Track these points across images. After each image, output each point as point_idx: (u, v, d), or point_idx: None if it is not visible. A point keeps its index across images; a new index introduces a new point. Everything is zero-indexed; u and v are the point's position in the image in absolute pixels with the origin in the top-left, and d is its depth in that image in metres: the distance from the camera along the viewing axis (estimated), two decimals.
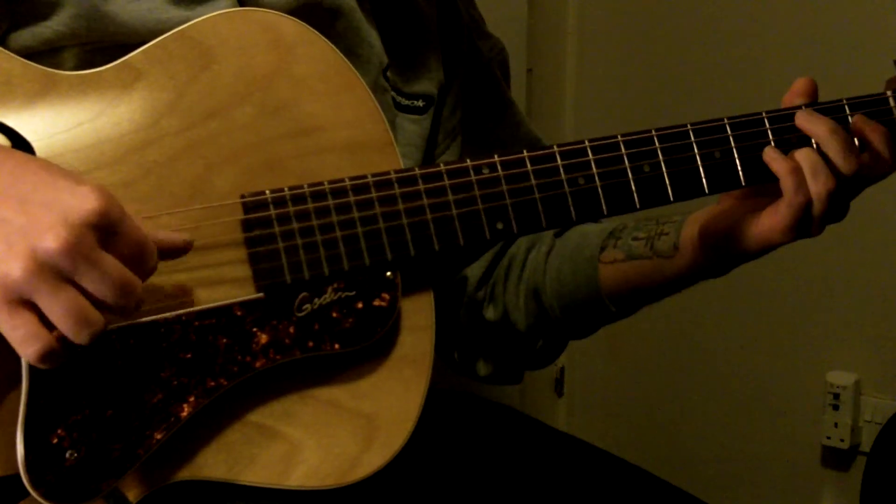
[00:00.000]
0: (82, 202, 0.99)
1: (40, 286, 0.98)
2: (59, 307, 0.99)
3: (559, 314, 1.47)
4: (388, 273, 1.19)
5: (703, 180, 1.27)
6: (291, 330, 1.16)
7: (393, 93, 1.40)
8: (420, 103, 1.42)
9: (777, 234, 1.27)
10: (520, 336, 1.50)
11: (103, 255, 1.00)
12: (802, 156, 1.26)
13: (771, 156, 1.26)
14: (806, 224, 1.26)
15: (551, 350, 1.54)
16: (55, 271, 0.98)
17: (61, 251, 0.98)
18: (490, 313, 1.51)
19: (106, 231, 1.00)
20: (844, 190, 1.27)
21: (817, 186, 1.24)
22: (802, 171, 1.25)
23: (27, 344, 1.00)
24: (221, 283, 1.14)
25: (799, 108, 1.29)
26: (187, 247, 1.10)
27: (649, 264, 1.39)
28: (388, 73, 1.39)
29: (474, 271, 1.51)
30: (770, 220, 1.27)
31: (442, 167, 1.21)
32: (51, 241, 0.98)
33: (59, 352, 1.01)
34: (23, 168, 1.02)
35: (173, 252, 1.09)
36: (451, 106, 1.47)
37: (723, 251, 1.32)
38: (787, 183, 1.24)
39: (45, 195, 0.99)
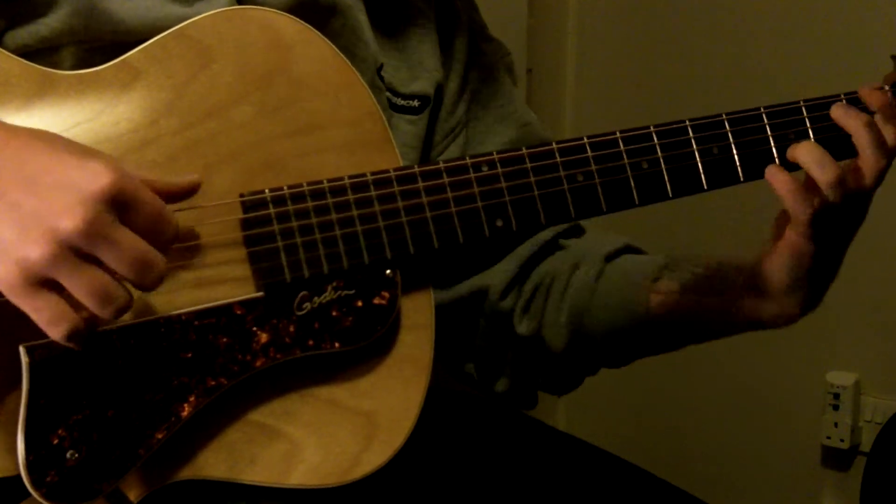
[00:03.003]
0: (95, 178, 0.99)
1: (62, 268, 0.98)
2: (82, 287, 0.99)
3: (600, 338, 1.45)
4: (388, 271, 1.19)
5: (702, 176, 1.26)
6: (291, 329, 1.16)
7: (388, 93, 1.40)
8: (416, 103, 1.42)
9: (803, 242, 1.26)
10: (549, 355, 1.48)
11: (122, 230, 1.00)
12: (805, 151, 1.25)
13: (772, 172, 1.25)
14: (824, 227, 1.25)
15: (576, 375, 1.52)
16: (75, 251, 0.98)
17: (80, 231, 0.97)
18: (523, 327, 1.48)
19: (122, 205, 1.00)
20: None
21: (826, 176, 1.23)
22: (802, 191, 1.23)
23: (53, 325, 1.00)
24: (221, 282, 1.14)
25: (797, 102, 1.29)
26: (195, 185, 1.10)
27: (704, 300, 1.37)
28: (383, 74, 1.39)
29: (496, 279, 1.48)
30: (792, 235, 1.26)
31: (441, 165, 1.21)
32: (69, 221, 0.97)
33: (85, 330, 1.01)
34: (28, 148, 1.01)
35: (181, 194, 1.09)
36: (448, 105, 1.46)
37: (770, 285, 1.31)
38: (789, 202, 1.24)
39: (55, 175, 0.99)
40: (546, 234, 1.48)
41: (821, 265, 1.28)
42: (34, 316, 1.00)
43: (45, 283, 0.99)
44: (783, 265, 1.28)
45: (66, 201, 0.98)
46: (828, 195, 1.23)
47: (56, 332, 1.00)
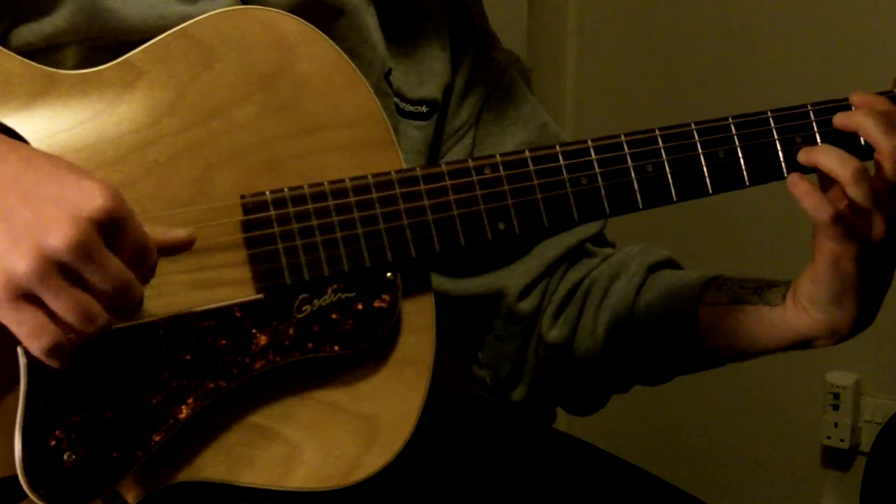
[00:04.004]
0: (90, 199, 0.98)
1: (46, 283, 0.97)
2: (64, 305, 0.98)
3: (639, 351, 1.44)
4: (389, 274, 1.18)
5: (707, 180, 1.26)
6: (291, 331, 1.15)
7: (396, 98, 1.39)
8: (424, 109, 1.41)
9: (837, 247, 1.24)
10: (578, 366, 1.47)
11: (108, 255, 0.99)
12: (822, 151, 1.24)
13: (793, 181, 1.23)
14: (860, 231, 1.23)
15: (605, 391, 1.51)
16: (61, 269, 0.98)
17: (68, 249, 0.97)
18: (554, 334, 1.47)
19: (112, 229, 1.00)
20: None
21: (847, 171, 1.22)
22: (819, 193, 1.22)
23: (34, 338, 0.99)
24: (221, 284, 1.14)
25: (804, 106, 1.29)
26: (190, 242, 1.09)
27: (754, 311, 1.35)
28: (391, 79, 1.38)
29: (513, 280, 1.47)
30: (824, 241, 1.25)
31: (443, 167, 1.20)
32: (57, 238, 0.97)
33: (67, 346, 1.00)
34: (27, 162, 1.01)
35: (176, 248, 1.09)
36: (453, 107, 1.46)
37: (814, 296, 1.29)
38: (807, 205, 1.22)
39: (51, 190, 0.99)
40: (571, 239, 1.47)
41: (867, 273, 1.26)
42: (15, 329, 0.99)
43: (28, 297, 0.98)
44: (823, 274, 1.27)
45: (58, 217, 0.97)
46: (851, 193, 1.22)
47: (36, 346, 0.99)
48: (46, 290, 0.98)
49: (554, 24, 2.90)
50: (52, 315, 0.99)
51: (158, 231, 1.08)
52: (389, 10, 1.40)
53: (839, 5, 2.54)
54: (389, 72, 1.39)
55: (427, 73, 1.42)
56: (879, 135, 1.24)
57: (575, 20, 2.91)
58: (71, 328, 1.00)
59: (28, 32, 1.17)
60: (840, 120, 1.27)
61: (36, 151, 1.04)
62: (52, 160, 1.02)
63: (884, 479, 2.44)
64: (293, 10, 1.21)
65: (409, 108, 1.40)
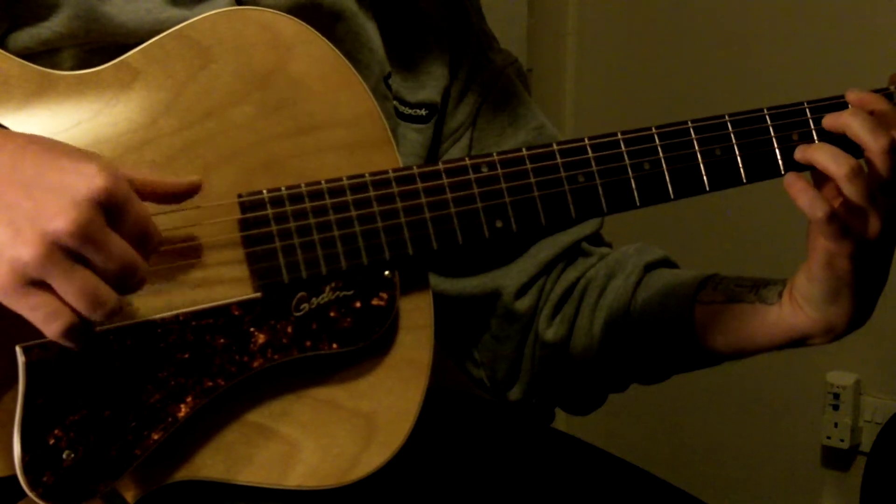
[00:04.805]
0: (89, 181, 0.99)
1: (52, 269, 0.98)
2: (72, 288, 0.99)
3: (635, 349, 1.44)
4: (387, 272, 1.18)
5: (704, 177, 1.26)
6: (289, 329, 1.15)
7: (395, 101, 1.39)
8: (423, 112, 1.41)
9: (832, 245, 1.24)
10: (574, 365, 1.47)
11: (111, 235, 1.00)
12: (818, 149, 1.24)
13: (789, 181, 1.23)
14: (855, 229, 1.23)
15: (602, 389, 1.51)
16: (66, 253, 0.98)
17: (71, 232, 0.97)
18: (551, 333, 1.47)
19: (113, 210, 1.00)
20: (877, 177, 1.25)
21: (842, 169, 1.22)
22: (813, 190, 1.22)
23: (49, 322, 0.99)
24: (219, 283, 1.14)
25: (801, 104, 1.29)
26: (197, 186, 1.10)
27: (750, 309, 1.35)
28: (390, 82, 1.38)
29: (510, 280, 1.48)
30: (819, 239, 1.24)
31: (440, 166, 1.20)
32: (60, 223, 0.97)
33: (82, 327, 1.01)
34: (23, 151, 1.01)
35: (185, 194, 1.09)
36: (452, 105, 1.46)
37: (809, 293, 1.30)
38: (801, 202, 1.22)
39: (50, 178, 0.99)
40: (567, 238, 1.47)
41: (863, 271, 1.27)
42: (29, 315, 1.00)
43: (37, 284, 0.99)
44: (818, 272, 1.27)
45: (58, 203, 0.98)
46: (846, 191, 1.23)
47: (53, 330, 1.00)
48: (54, 275, 0.98)
49: (554, 24, 2.90)
50: (63, 299, 1.00)
51: (166, 179, 1.09)
52: (388, 14, 1.40)
53: (839, 6, 2.54)
54: (389, 75, 1.39)
55: (426, 77, 1.42)
56: (867, 135, 1.24)
57: (575, 20, 2.91)
58: (81, 311, 1.00)
59: (26, 37, 1.18)
60: (829, 121, 1.27)
61: (31, 139, 1.04)
62: (48, 147, 1.02)
63: (884, 479, 2.44)
64: (290, 13, 1.20)
65: (409, 111, 1.40)
